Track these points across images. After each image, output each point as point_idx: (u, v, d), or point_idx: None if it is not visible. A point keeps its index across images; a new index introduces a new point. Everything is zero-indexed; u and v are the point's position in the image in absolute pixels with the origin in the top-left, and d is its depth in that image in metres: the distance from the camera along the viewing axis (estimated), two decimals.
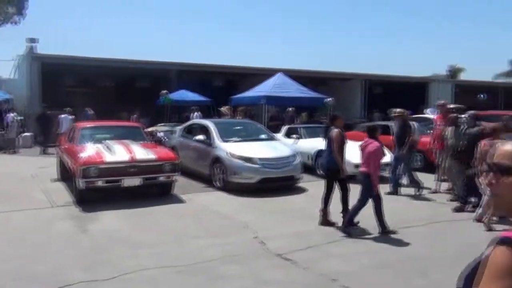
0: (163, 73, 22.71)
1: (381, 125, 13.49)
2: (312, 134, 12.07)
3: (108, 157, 7.73)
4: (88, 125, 9.87)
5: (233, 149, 8.94)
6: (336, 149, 6.50)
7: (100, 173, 7.51)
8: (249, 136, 10.10)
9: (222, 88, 24.88)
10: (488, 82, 36.67)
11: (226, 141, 9.33)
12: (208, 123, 10.24)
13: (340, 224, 6.38)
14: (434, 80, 31.38)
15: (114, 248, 5.58)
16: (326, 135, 6.93)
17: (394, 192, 8.78)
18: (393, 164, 9.04)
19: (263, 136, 10.24)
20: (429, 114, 22.72)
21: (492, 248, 1.20)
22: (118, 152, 7.91)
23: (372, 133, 6.49)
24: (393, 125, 10.59)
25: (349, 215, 6.23)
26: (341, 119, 6.90)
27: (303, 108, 23.53)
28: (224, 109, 14.54)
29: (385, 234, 6.03)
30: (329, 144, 6.67)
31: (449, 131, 7.99)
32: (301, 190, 9.05)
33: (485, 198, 6.63)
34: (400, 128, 8.99)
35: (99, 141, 8.61)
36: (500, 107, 31.90)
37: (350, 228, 6.16)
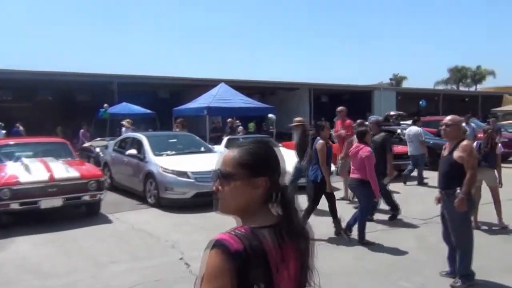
0: (104, 86, 21.83)
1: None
2: None
3: (24, 177, 7.06)
4: (5, 143, 9.08)
5: (165, 163, 8.48)
6: (322, 161, 6.17)
7: (13, 195, 6.83)
8: (185, 149, 9.67)
9: (167, 100, 24.33)
10: (428, 89, 38.23)
11: (159, 155, 8.85)
12: (141, 136, 9.72)
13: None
14: (378, 88, 32.25)
15: (19, 280, 4.98)
16: (311, 146, 6.56)
17: None
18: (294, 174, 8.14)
19: (200, 148, 9.84)
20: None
21: (208, 251, 1.30)
22: (36, 171, 7.25)
23: (362, 137, 6.27)
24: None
25: (351, 224, 6.15)
26: (327, 128, 6.54)
27: (248, 118, 23.43)
28: (125, 122, 13.91)
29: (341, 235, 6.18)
30: (315, 156, 6.32)
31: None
32: None
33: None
34: (300, 138, 8.19)
35: (17, 159, 7.89)
36: (440, 112, 33.31)
37: (348, 232, 6.14)
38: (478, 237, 5.28)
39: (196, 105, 15.92)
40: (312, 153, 6.48)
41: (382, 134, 7.48)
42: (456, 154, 4.22)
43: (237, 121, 15.89)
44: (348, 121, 9.16)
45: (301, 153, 7.84)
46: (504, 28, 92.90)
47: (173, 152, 9.20)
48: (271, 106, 16.80)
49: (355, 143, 6.46)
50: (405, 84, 54.20)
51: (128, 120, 14.10)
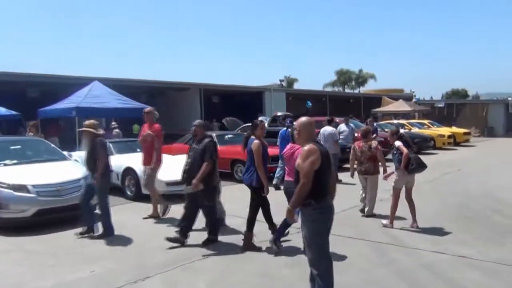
0: None
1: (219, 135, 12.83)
2: (124, 149, 10.59)
3: None
4: None
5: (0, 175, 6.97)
6: (258, 163, 5.65)
7: None
8: (32, 157, 8.15)
9: (37, 100, 21.65)
10: (316, 91, 39.69)
11: None
12: None
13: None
14: (268, 89, 32.50)
15: None
16: (245, 146, 5.88)
17: (90, 230, 6.50)
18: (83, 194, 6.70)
19: (51, 156, 8.39)
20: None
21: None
22: None
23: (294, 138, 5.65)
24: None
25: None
26: (262, 127, 5.92)
27: (134, 120, 21.86)
28: None
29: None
30: (250, 157, 5.76)
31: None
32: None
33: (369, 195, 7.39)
34: (89, 146, 6.63)
35: None
36: (327, 113, 34.73)
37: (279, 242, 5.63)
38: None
39: (64, 106, 14.17)
40: (247, 155, 5.84)
41: (206, 140, 6.08)
42: (297, 161, 3.66)
43: (113, 123, 14.42)
44: (156, 125, 7.99)
45: (90, 164, 6.51)
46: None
47: (14, 162, 7.66)
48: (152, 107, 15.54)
49: (290, 144, 5.81)
50: (296, 86, 56.00)
51: None
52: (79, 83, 16.43)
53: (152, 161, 7.62)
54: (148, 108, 8.08)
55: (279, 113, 20.70)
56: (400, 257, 5.28)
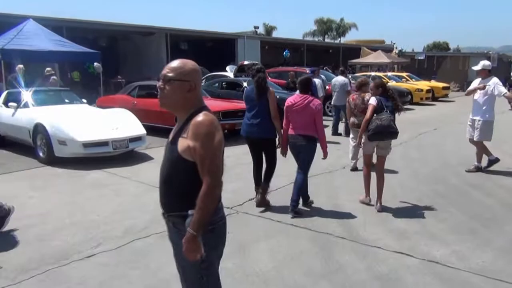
0: None
1: (150, 85, 11.14)
2: (46, 101, 8.88)
3: None
4: None
5: None
6: (274, 113, 5.22)
7: None
8: None
9: None
10: (293, 40, 37.57)
11: None
12: None
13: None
14: (242, 36, 30.34)
15: None
16: (259, 95, 5.24)
17: None
18: None
19: None
20: (229, 71, 21.43)
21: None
22: None
23: (305, 87, 5.26)
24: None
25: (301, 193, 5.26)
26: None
27: (75, 65, 19.82)
28: None
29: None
30: (262, 106, 5.23)
31: None
32: None
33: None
34: None
35: None
36: (304, 63, 32.98)
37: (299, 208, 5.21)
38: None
39: None
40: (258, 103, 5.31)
41: None
42: (183, 143, 2.12)
43: (48, 69, 12.52)
44: None
45: None
46: None
47: None
48: (97, 52, 13.61)
49: (296, 94, 5.31)
50: (275, 35, 53.42)
51: None
52: (9, 22, 14.21)
53: None
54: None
55: (246, 62, 18.88)
56: (350, 261, 3.93)
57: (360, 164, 6.43)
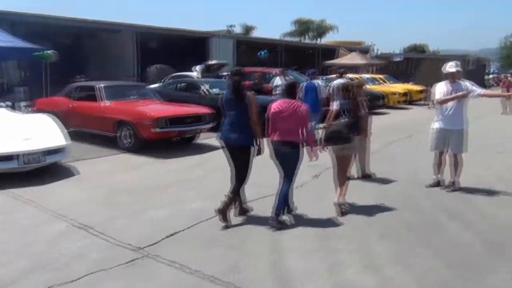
0: None
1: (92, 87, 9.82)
2: None
3: None
4: None
5: None
6: (255, 118, 4.85)
7: None
8: None
9: None
10: (270, 39, 36.63)
11: None
12: None
13: None
14: (214, 35, 29.10)
15: None
16: (236, 100, 4.87)
17: None
18: None
19: None
20: (198, 71, 20.18)
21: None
22: None
23: (292, 92, 5.08)
24: None
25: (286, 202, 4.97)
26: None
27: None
28: None
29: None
30: (239, 110, 4.86)
31: None
32: None
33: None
34: None
35: None
36: (281, 64, 31.94)
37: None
38: None
39: None
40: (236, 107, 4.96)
41: None
42: None
43: None
44: None
45: None
46: None
47: None
48: (42, 48, 12.28)
49: (281, 100, 5.12)
50: (255, 35, 52.23)
51: None
52: None
53: None
54: None
55: (213, 62, 17.74)
56: None
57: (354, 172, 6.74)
